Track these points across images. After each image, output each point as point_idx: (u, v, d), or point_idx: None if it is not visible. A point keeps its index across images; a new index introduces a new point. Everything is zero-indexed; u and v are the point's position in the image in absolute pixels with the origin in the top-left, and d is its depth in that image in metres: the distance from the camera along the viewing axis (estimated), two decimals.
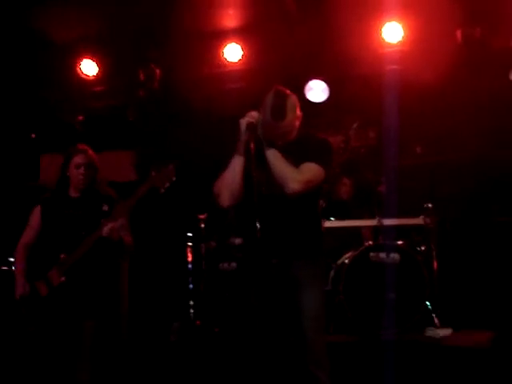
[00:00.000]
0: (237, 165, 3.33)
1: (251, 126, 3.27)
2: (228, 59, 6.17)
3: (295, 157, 3.31)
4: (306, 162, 3.29)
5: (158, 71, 6.19)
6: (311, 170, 3.30)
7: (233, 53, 6.15)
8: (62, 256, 3.82)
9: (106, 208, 3.94)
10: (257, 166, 3.27)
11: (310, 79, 6.13)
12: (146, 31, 6.04)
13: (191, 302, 5.87)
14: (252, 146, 3.25)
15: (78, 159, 3.92)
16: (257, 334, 3.28)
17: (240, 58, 6.12)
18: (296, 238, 3.36)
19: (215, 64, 6.28)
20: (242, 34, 6.10)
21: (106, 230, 3.76)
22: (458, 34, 5.76)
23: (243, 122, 3.29)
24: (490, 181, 5.89)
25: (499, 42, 5.83)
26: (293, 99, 3.37)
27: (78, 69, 6.31)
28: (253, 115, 3.31)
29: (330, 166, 3.47)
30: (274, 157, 3.29)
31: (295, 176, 3.25)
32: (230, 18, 6.12)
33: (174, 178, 3.77)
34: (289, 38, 5.90)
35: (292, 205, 3.31)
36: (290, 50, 5.97)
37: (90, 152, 3.99)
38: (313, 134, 3.51)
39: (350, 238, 5.74)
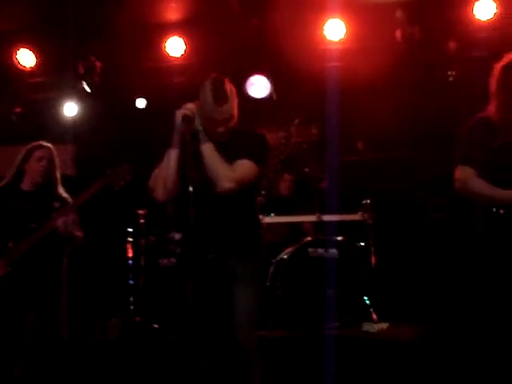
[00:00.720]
0: (171, 158, 3.25)
1: (187, 118, 3.20)
2: (170, 53, 6.10)
3: (230, 153, 3.27)
4: (240, 160, 3.26)
5: (98, 64, 6.08)
6: (245, 168, 3.26)
7: (175, 47, 6.08)
8: (10, 246, 3.80)
9: (57, 205, 3.92)
10: (193, 160, 3.22)
11: (252, 75, 6.14)
12: (86, 23, 5.92)
13: (131, 298, 5.83)
14: (188, 138, 3.18)
15: (40, 153, 3.99)
16: (193, 331, 3.27)
17: (182, 52, 6.06)
18: (232, 233, 3.33)
19: (157, 58, 6.22)
20: (184, 28, 6.04)
21: (60, 224, 3.75)
22: (398, 33, 5.86)
23: (179, 113, 3.22)
24: (427, 177, 6.02)
25: (438, 43, 5.97)
26: (230, 85, 3.31)
27: (14, 59, 6.16)
28: (189, 107, 3.24)
29: (266, 163, 3.44)
30: (208, 152, 3.25)
31: (228, 174, 3.22)
32: (173, 12, 6.06)
33: (130, 178, 3.74)
34: (231, 33, 5.90)
35: (228, 200, 3.27)
36: (233, 45, 5.97)
37: (52, 149, 4.05)
38: (249, 129, 3.46)
39: (291, 233, 5.79)
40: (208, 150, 3.26)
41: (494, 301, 3.96)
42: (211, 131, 3.28)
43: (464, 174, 3.38)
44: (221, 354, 3.39)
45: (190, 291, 3.19)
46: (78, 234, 3.92)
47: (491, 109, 3.43)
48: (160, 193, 3.30)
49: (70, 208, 3.83)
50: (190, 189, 3.17)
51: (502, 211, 3.32)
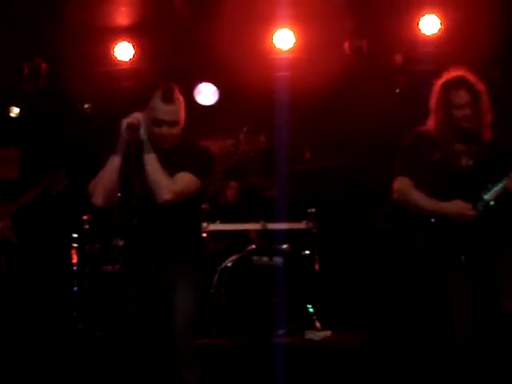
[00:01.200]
0: (114, 165, 3.26)
1: (132, 126, 3.22)
2: (119, 58, 6.06)
3: (174, 164, 3.29)
4: (182, 172, 3.29)
5: (44, 66, 5.96)
6: (185, 181, 3.29)
7: (124, 51, 6.03)
8: None
9: None
10: (136, 169, 3.25)
11: (200, 82, 6.15)
12: (33, 24, 5.82)
13: (74, 305, 5.73)
14: (132, 147, 3.21)
15: None
16: (134, 340, 3.30)
17: (131, 57, 6.02)
18: (174, 243, 3.37)
19: (105, 62, 6.16)
20: (134, 33, 6.00)
21: None
22: (346, 45, 5.96)
23: (125, 121, 3.24)
24: (373, 187, 6.10)
25: (384, 56, 6.08)
26: (179, 93, 3.35)
27: None
28: (136, 116, 3.27)
29: (209, 177, 3.48)
30: (151, 162, 3.26)
31: (168, 185, 3.25)
32: (123, 16, 6.02)
33: (67, 182, 3.69)
34: (180, 40, 5.88)
35: (170, 210, 3.30)
36: (181, 51, 5.95)
37: None
38: (193, 141, 3.48)
39: (237, 241, 5.79)
40: (150, 160, 3.27)
41: (431, 309, 4.07)
42: (156, 138, 3.30)
43: (402, 184, 3.47)
44: (160, 362, 3.41)
45: (131, 300, 3.23)
46: (14, 240, 3.84)
47: (430, 124, 3.52)
48: (99, 199, 3.31)
49: (3, 214, 3.74)
50: (132, 199, 3.22)
51: (432, 220, 3.42)
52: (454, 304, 3.42)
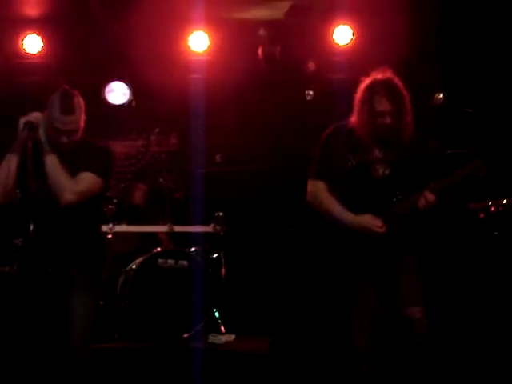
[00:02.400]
0: (10, 164, 3.21)
1: (30, 125, 3.18)
2: (27, 50, 5.84)
3: (75, 165, 3.29)
4: (83, 172, 3.28)
5: None
6: (87, 181, 3.29)
7: (33, 44, 5.81)
8: None
9: None
10: (35, 170, 3.19)
11: (112, 81, 6.02)
12: None
13: None
14: (29, 146, 3.16)
15: None
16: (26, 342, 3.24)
17: (40, 50, 5.81)
18: (72, 245, 3.34)
19: (14, 54, 5.92)
20: (44, 25, 5.81)
21: None
22: (260, 50, 6.01)
23: (22, 120, 3.21)
24: (281, 193, 6.17)
25: (297, 63, 6.16)
26: (80, 99, 3.34)
27: None
28: (34, 115, 3.24)
29: (109, 176, 3.47)
30: (51, 163, 3.24)
31: (70, 186, 3.25)
32: (33, 8, 5.82)
33: None
34: (92, 36, 5.76)
35: (69, 212, 3.28)
36: (93, 48, 5.83)
37: None
38: (92, 141, 3.46)
39: (145, 243, 5.71)
40: (51, 161, 3.25)
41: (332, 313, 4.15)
42: (56, 142, 3.28)
43: (316, 188, 3.46)
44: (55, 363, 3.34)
45: (25, 302, 3.21)
46: None
47: (353, 120, 3.48)
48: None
49: None
50: (30, 199, 3.13)
51: (340, 227, 3.43)
52: (351, 310, 3.45)
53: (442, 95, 6.11)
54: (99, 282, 3.54)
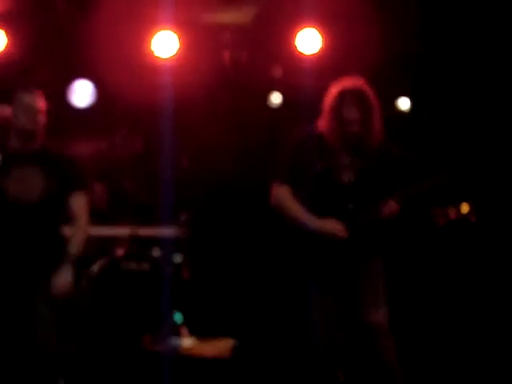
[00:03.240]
0: None
1: None
2: None
3: (40, 171, 3.40)
4: (75, 197, 3.51)
5: None
6: (85, 206, 3.55)
7: None
8: None
9: None
10: (6, 169, 3.30)
11: (76, 80, 5.95)
12: None
13: None
14: None
15: None
16: None
17: (3, 47, 5.69)
18: (38, 247, 3.38)
19: None
20: (7, 20, 5.71)
21: None
22: (226, 55, 5.99)
23: None
24: (245, 195, 6.18)
25: (263, 68, 6.17)
26: (41, 98, 3.44)
27: None
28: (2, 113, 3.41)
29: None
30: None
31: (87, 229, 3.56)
32: None
33: None
34: (57, 34, 5.67)
35: (37, 213, 3.36)
36: (57, 47, 5.73)
37: None
38: (55, 148, 3.57)
39: (106, 246, 5.64)
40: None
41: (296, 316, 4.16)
42: (19, 143, 3.38)
43: (280, 192, 3.46)
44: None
45: None
46: None
47: (321, 124, 3.47)
48: None
49: None
50: None
51: (302, 232, 3.44)
52: (314, 315, 3.46)
53: (406, 101, 6.20)
54: None
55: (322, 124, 3.46)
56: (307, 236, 3.41)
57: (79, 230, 3.49)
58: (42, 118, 3.42)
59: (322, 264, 3.41)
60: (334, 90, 3.44)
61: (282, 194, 3.44)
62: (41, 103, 3.42)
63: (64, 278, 3.34)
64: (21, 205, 3.32)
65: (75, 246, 3.45)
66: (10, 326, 3.34)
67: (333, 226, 3.36)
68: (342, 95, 3.38)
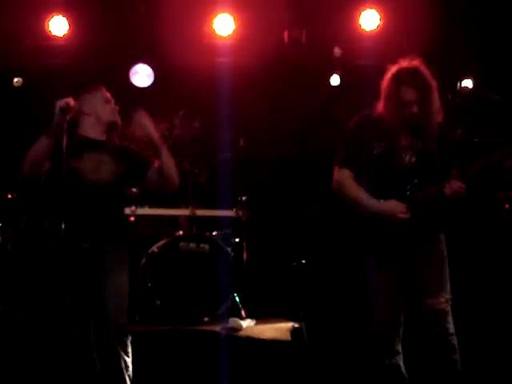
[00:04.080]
0: (42, 146, 3.42)
1: (65, 109, 3.33)
2: (53, 32, 5.82)
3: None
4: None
5: None
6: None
7: (58, 26, 5.77)
8: None
9: None
10: (76, 151, 3.46)
11: (136, 63, 6.00)
12: None
13: None
14: (65, 127, 3.31)
15: None
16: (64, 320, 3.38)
17: (65, 32, 5.78)
18: (106, 224, 3.55)
19: (39, 36, 5.92)
20: (69, 6, 5.79)
21: None
22: (285, 34, 5.94)
23: (57, 104, 3.37)
24: (304, 178, 6.14)
25: (323, 48, 6.09)
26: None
27: None
28: (67, 100, 3.37)
29: None
30: (167, 154, 3.63)
31: (177, 173, 3.70)
32: None
33: None
34: (117, 18, 5.75)
35: (109, 192, 3.57)
36: (118, 31, 5.81)
37: None
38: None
39: (166, 226, 5.71)
40: (167, 152, 3.67)
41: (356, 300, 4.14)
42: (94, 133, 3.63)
43: (342, 175, 3.47)
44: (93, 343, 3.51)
45: (61, 280, 3.38)
46: None
47: (379, 108, 3.47)
48: (25, 170, 3.48)
49: None
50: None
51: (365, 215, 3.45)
52: (375, 298, 3.45)
53: (469, 82, 5.99)
54: (128, 260, 3.67)
55: (380, 107, 3.44)
56: (368, 217, 3.39)
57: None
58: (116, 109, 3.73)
59: (384, 245, 3.39)
60: (390, 73, 3.42)
61: (343, 178, 3.46)
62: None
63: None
64: (94, 184, 3.51)
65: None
66: (83, 300, 3.46)
67: (394, 207, 3.34)
68: (399, 77, 3.36)
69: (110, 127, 3.69)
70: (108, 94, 3.73)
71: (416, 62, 3.39)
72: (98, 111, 3.64)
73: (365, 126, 3.47)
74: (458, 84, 5.98)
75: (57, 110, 3.33)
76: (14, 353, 4.45)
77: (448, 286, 3.40)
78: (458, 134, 3.69)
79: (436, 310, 3.34)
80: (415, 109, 3.33)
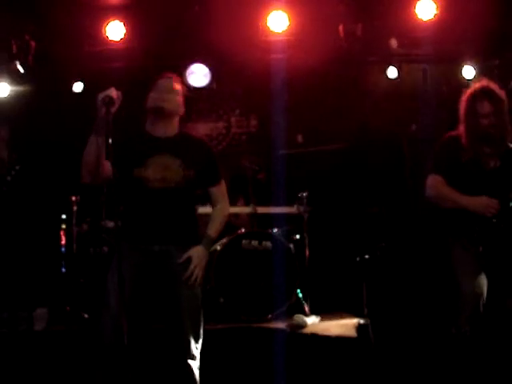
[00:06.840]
0: (92, 145, 3.25)
1: (108, 101, 3.12)
2: (110, 37, 5.91)
3: (182, 155, 3.41)
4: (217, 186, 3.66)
5: (33, 44, 5.83)
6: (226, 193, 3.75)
7: (115, 31, 5.88)
8: None
9: None
10: (137, 159, 3.30)
11: (192, 63, 6.04)
12: (24, 1, 5.72)
13: (61, 287, 5.66)
14: (110, 120, 3.10)
15: None
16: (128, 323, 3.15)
17: (122, 36, 5.87)
18: (177, 225, 3.44)
19: (96, 41, 6.04)
20: (125, 11, 5.88)
21: None
22: (341, 28, 5.89)
23: (99, 96, 3.16)
24: (363, 172, 6.07)
25: (379, 40, 6.01)
26: (179, 84, 3.55)
27: None
28: (109, 91, 3.17)
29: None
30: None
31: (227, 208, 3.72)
32: None
33: None
34: (172, 19, 5.78)
35: (178, 197, 3.43)
36: (174, 32, 5.86)
37: None
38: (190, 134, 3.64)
39: (227, 224, 5.71)
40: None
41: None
42: (156, 127, 3.41)
43: (435, 181, 3.95)
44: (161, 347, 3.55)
45: (125, 281, 3.09)
46: None
47: (461, 130, 3.96)
48: (84, 175, 3.34)
49: None
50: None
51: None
52: (463, 274, 3.82)
53: None
54: None
55: (462, 128, 3.93)
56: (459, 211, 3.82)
57: (219, 215, 3.59)
58: (177, 99, 3.44)
59: (469, 231, 3.80)
60: (464, 96, 3.94)
61: (436, 183, 3.92)
62: (177, 86, 3.48)
63: (198, 263, 3.36)
64: (159, 190, 3.35)
65: (213, 229, 3.53)
66: (155, 309, 3.39)
67: (486, 201, 3.77)
68: (474, 95, 3.89)
69: (161, 113, 3.39)
70: (176, 84, 3.48)
71: (485, 82, 3.94)
72: (152, 98, 3.40)
73: (451, 140, 3.98)
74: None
75: (98, 103, 3.12)
76: (81, 353, 4.53)
77: None
78: None
79: None
80: (493, 119, 3.82)
